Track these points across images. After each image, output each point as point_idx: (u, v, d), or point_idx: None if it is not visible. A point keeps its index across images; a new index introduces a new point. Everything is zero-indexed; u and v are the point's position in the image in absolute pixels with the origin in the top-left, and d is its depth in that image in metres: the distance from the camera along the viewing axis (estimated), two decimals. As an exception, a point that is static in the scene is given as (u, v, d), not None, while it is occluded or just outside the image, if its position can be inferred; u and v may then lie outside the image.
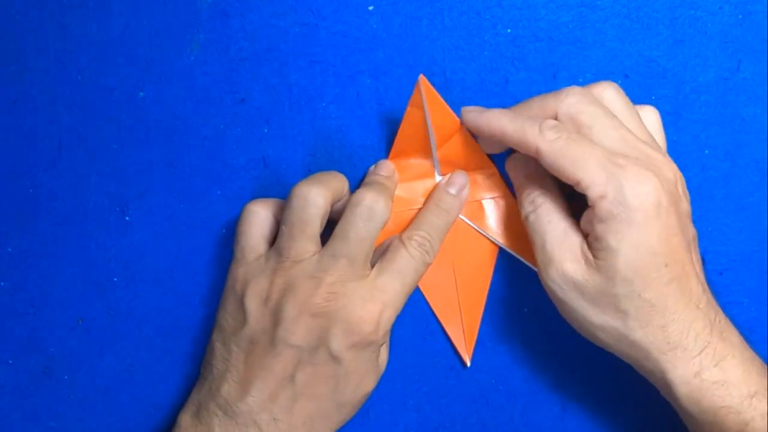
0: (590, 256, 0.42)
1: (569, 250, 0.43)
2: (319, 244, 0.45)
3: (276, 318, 0.43)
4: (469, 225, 0.49)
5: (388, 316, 0.44)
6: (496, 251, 0.49)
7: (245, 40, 0.49)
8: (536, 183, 0.45)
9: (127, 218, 0.49)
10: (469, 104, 0.48)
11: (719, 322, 0.42)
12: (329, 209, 0.45)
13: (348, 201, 0.45)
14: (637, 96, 0.49)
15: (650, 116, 0.45)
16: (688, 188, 0.49)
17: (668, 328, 0.41)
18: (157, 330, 0.49)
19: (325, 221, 0.45)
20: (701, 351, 0.41)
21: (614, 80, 0.48)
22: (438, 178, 0.48)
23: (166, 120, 0.49)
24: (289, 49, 0.49)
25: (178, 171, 0.49)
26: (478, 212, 0.48)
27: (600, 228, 0.41)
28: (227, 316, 0.45)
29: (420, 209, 0.48)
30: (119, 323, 0.49)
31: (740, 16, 0.49)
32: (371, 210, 0.44)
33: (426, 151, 0.48)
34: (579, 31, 0.49)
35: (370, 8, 0.49)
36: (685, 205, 0.43)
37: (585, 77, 0.49)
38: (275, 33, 0.49)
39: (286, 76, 0.49)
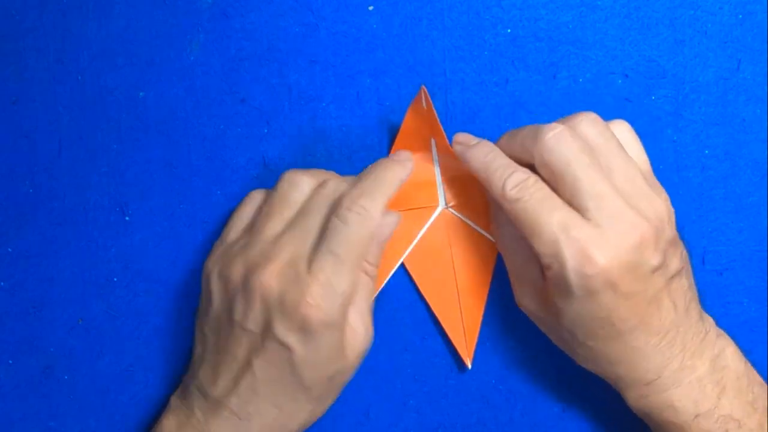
0: (542, 297, 0.43)
1: (527, 285, 0.44)
2: None
3: (232, 301, 0.43)
4: (469, 225, 0.49)
5: (327, 294, 0.41)
6: (496, 251, 0.49)
7: (245, 40, 0.49)
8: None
9: (127, 218, 0.49)
10: (469, 104, 0.49)
11: (682, 352, 0.43)
12: None
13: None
14: (637, 96, 0.49)
15: (623, 133, 0.44)
16: (688, 188, 0.49)
17: (615, 366, 0.43)
18: (157, 330, 0.49)
19: None
20: (650, 383, 0.43)
21: (614, 80, 0.48)
22: (439, 179, 0.48)
23: (166, 120, 0.49)
24: (289, 49, 0.49)
25: (178, 171, 0.49)
26: (478, 212, 0.48)
27: (549, 285, 0.42)
28: (202, 299, 0.46)
29: (416, 209, 0.48)
30: (119, 323, 0.49)
31: (740, 16, 0.49)
32: (324, 186, 0.44)
33: (426, 150, 0.48)
34: (579, 31, 0.49)
35: (370, 8, 0.49)
36: (658, 257, 0.41)
37: (585, 77, 0.49)
38: (275, 33, 0.49)
39: (286, 76, 0.49)
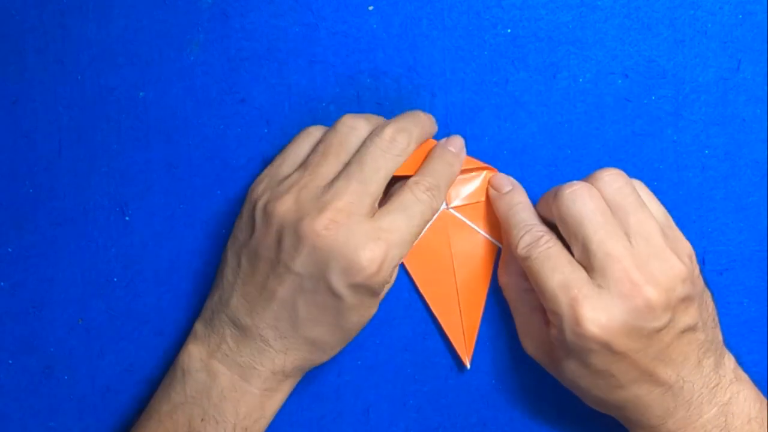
0: (546, 346, 0.45)
1: (532, 333, 0.46)
2: None
3: (279, 240, 0.42)
4: (469, 225, 0.49)
5: (392, 257, 0.42)
6: (495, 251, 0.49)
7: (245, 40, 0.49)
8: (513, 255, 0.46)
9: (127, 218, 0.49)
10: (469, 104, 0.49)
11: (689, 401, 0.43)
12: None
13: (371, 132, 0.45)
14: (637, 96, 0.49)
15: (640, 190, 0.45)
16: (688, 188, 0.49)
17: (621, 411, 0.44)
18: (157, 330, 0.49)
19: None
20: (657, 426, 0.44)
21: (614, 80, 0.48)
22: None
23: (166, 120, 0.49)
24: (289, 49, 0.49)
25: (178, 171, 0.49)
26: (478, 212, 0.48)
27: (552, 338, 0.44)
28: (242, 225, 0.45)
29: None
30: (119, 323, 0.49)
31: (740, 16, 0.48)
32: (390, 142, 0.44)
33: (427, 151, 0.48)
34: (579, 31, 0.49)
35: (370, 8, 0.49)
36: (663, 318, 0.42)
37: (585, 77, 0.49)
38: (275, 33, 0.49)
39: (286, 76, 0.49)
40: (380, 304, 0.49)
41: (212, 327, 0.45)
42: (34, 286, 0.49)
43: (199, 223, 0.49)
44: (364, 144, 0.44)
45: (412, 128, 0.45)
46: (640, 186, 0.45)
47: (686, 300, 0.42)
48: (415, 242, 0.48)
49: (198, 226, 0.49)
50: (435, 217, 0.49)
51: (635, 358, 0.42)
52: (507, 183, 0.48)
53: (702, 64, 0.49)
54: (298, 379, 0.46)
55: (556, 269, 0.42)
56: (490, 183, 0.48)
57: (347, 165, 0.44)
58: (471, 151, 0.49)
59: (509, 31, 0.49)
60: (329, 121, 0.49)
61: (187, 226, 0.49)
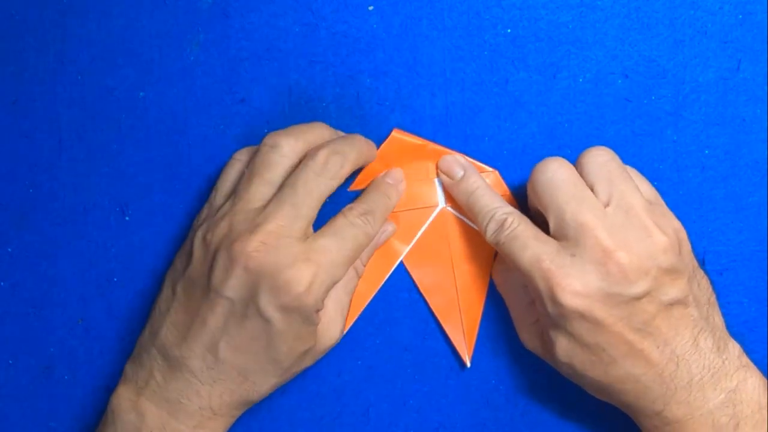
0: (542, 336, 0.45)
1: (527, 328, 0.46)
2: (274, 193, 0.44)
3: (212, 264, 0.42)
4: (468, 225, 0.49)
5: (322, 280, 0.42)
6: (494, 250, 0.49)
7: (245, 40, 0.49)
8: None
9: (127, 218, 0.49)
10: (468, 104, 0.49)
11: (689, 383, 0.42)
12: (297, 161, 0.45)
13: (305, 155, 0.45)
14: (637, 96, 0.49)
15: (633, 175, 0.45)
16: (688, 188, 0.49)
17: (622, 396, 0.44)
18: (157, 330, 0.49)
19: (290, 171, 0.44)
20: (659, 412, 0.43)
21: (614, 80, 0.48)
22: (438, 184, 0.49)
23: (166, 120, 0.49)
24: (289, 49, 0.49)
25: (178, 171, 0.49)
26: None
27: (539, 319, 0.44)
28: (182, 256, 0.45)
29: (416, 209, 0.48)
30: (119, 323, 0.49)
31: (740, 16, 0.49)
32: (324, 165, 0.43)
33: (424, 156, 0.48)
34: (579, 31, 0.49)
35: (370, 8, 0.49)
36: (641, 285, 0.41)
37: (585, 77, 0.49)
38: (275, 33, 0.49)
39: (286, 76, 0.49)
40: (380, 304, 0.49)
41: (140, 363, 0.44)
42: (34, 286, 0.49)
43: (199, 223, 0.49)
44: (298, 167, 0.44)
45: (348, 151, 0.45)
46: (631, 170, 0.45)
47: (672, 272, 0.42)
48: (414, 245, 0.49)
49: (198, 226, 0.49)
50: (433, 216, 0.49)
51: (619, 327, 0.42)
52: (457, 168, 0.48)
53: (702, 64, 0.49)
54: (229, 419, 0.45)
55: (526, 246, 0.43)
56: (439, 168, 0.48)
57: (280, 188, 0.44)
58: (471, 151, 0.49)
59: (509, 31, 0.49)
60: (329, 121, 0.49)
61: (187, 226, 0.49)
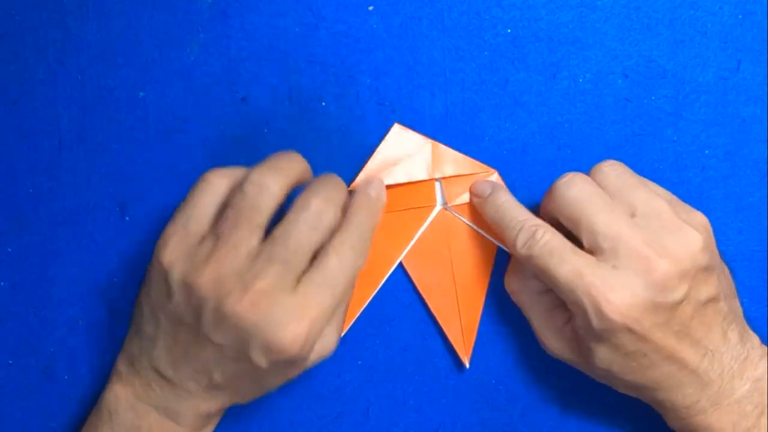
0: (571, 341, 0.44)
1: (553, 334, 0.45)
2: (262, 237, 0.41)
3: (199, 312, 0.41)
4: (468, 225, 0.49)
5: (316, 332, 0.41)
6: (495, 251, 0.49)
7: (245, 40, 0.49)
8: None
9: (127, 218, 0.49)
10: (468, 104, 0.49)
11: (720, 376, 0.43)
12: (284, 200, 0.42)
13: (295, 202, 0.42)
14: (637, 96, 0.49)
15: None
16: (688, 188, 0.49)
17: (655, 393, 0.43)
18: (157, 330, 0.49)
19: (276, 211, 0.42)
20: (689, 405, 0.43)
21: (614, 80, 0.48)
22: (437, 184, 0.49)
23: (166, 120, 0.49)
24: (289, 49, 0.49)
25: (178, 171, 0.49)
26: (476, 212, 0.48)
27: (577, 329, 0.43)
28: (153, 284, 0.43)
29: (415, 209, 0.48)
30: (119, 323, 0.49)
31: (740, 16, 0.48)
32: (319, 218, 0.41)
33: (423, 150, 0.48)
34: (579, 31, 0.49)
35: (370, 8, 0.49)
36: (681, 290, 0.41)
37: (585, 77, 0.49)
38: (275, 33, 0.49)
39: (286, 76, 0.49)
40: (380, 304, 0.49)
41: (136, 371, 0.45)
42: (34, 286, 0.49)
43: (199, 223, 0.49)
44: (289, 215, 0.41)
45: (337, 198, 0.43)
46: (641, 178, 0.45)
47: (707, 270, 0.42)
48: (413, 245, 0.49)
49: (198, 226, 0.49)
50: (432, 216, 0.49)
51: (662, 334, 0.41)
52: (486, 186, 0.47)
53: (702, 64, 0.49)
54: (221, 416, 0.47)
55: (563, 260, 0.42)
56: (471, 191, 0.48)
57: (271, 238, 0.41)
58: (471, 151, 0.49)
59: (509, 31, 0.49)
60: (329, 121, 0.49)
61: (187, 226, 0.49)
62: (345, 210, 0.43)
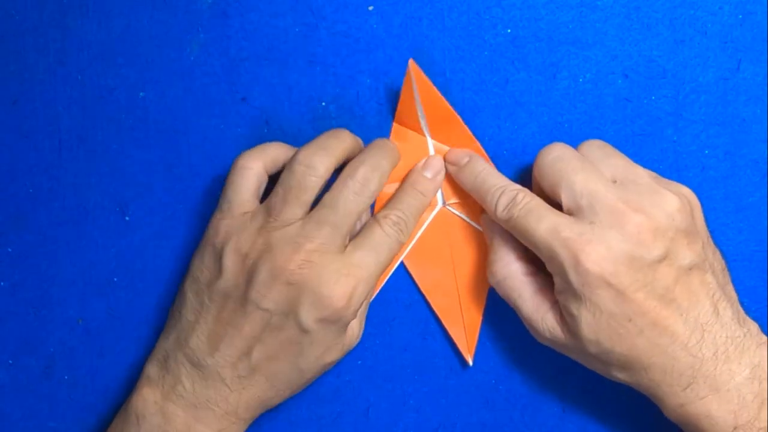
0: (560, 320, 0.44)
1: (542, 316, 0.45)
2: (308, 211, 0.45)
3: (250, 278, 0.43)
4: (469, 224, 0.49)
5: (361, 292, 0.44)
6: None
7: (245, 40, 0.49)
8: (505, 245, 0.46)
9: (127, 218, 0.49)
10: (468, 104, 0.49)
11: (715, 355, 0.42)
12: (329, 177, 0.45)
13: (345, 170, 0.45)
14: (637, 96, 0.49)
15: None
16: (688, 188, 0.48)
17: (649, 372, 0.43)
18: (157, 330, 0.49)
19: (323, 188, 0.45)
20: (686, 387, 0.42)
21: (614, 80, 0.49)
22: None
23: (166, 120, 0.49)
24: (289, 49, 0.49)
25: (178, 171, 0.49)
26: (476, 209, 0.48)
27: (559, 297, 0.43)
28: (203, 268, 0.45)
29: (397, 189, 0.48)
30: (119, 323, 0.49)
31: (740, 16, 0.49)
32: (363, 184, 0.45)
33: (422, 132, 0.48)
34: (579, 31, 0.49)
35: (370, 8, 0.49)
36: (659, 247, 0.42)
37: (585, 77, 0.49)
38: (275, 33, 0.49)
39: (286, 76, 0.49)
40: (380, 304, 0.49)
41: (167, 368, 0.45)
42: (34, 286, 0.49)
43: (199, 223, 0.49)
44: (337, 184, 0.45)
45: (384, 165, 0.46)
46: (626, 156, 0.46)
47: (687, 234, 0.42)
48: (414, 244, 0.49)
49: (198, 227, 0.49)
50: (433, 215, 0.49)
51: (642, 295, 0.41)
52: (463, 155, 0.48)
53: (702, 64, 0.49)
54: (248, 423, 0.46)
55: (541, 218, 0.43)
56: (447, 159, 0.48)
57: (320, 207, 0.44)
58: (471, 151, 0.49)
59: (509, 31, 0.49)
60: (329, 120, 0.49)
61: (187, 226, 0.49)
62: (389, 174, 0.46)
